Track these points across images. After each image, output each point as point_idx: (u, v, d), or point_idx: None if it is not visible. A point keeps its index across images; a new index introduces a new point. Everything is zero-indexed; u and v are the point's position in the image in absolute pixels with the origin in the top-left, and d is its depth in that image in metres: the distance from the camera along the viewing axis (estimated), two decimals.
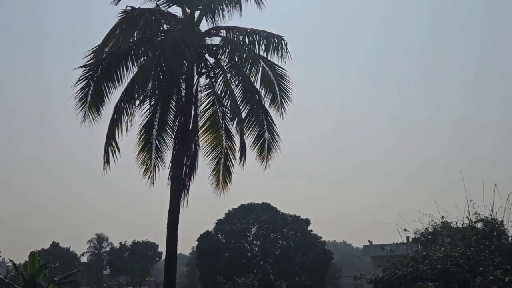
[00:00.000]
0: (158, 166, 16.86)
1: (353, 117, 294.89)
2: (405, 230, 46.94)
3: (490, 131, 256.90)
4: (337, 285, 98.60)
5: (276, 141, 16.68)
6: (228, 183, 17.13)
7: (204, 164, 17.31)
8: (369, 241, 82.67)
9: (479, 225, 39.24)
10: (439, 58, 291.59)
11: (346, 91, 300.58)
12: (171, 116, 16.68)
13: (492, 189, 49.81)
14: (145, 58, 15.64)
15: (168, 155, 16.80)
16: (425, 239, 42.77)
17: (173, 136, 16.56)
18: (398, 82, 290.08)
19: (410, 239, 49.53)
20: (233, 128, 17.06)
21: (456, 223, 41.54)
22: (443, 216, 42.39)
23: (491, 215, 39.64)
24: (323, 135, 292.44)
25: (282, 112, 16.75)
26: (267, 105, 16.85)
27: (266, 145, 16.55)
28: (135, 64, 15.84)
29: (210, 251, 60.14)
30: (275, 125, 16.79)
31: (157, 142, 16.73)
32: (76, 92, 15.62)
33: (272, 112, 16.89)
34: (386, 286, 34.95)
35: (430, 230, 43.28)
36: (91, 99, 15.70)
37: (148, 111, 16.05)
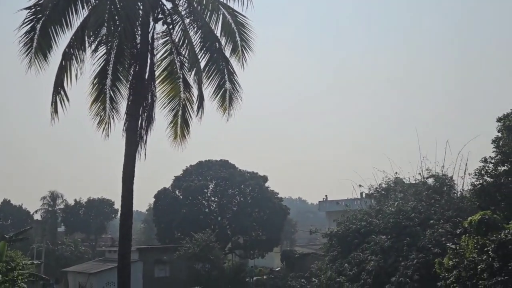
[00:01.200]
0: (113, 118, 16.14)
1: (313, 74, 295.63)
2: (360, 185, 48.25)
3: (443, 89, 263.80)
4: (293, 239, 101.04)
5: (238, 92, 16.13)
6: (186, 136, 16.61)
7: (162, 116, 16.75)
8: (325, 196, 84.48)
9: (430, 180, 40.66)
10: (395, 14, 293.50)
11: (310, 48, 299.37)
12: (126, 65, 15.75)
13: (444, 146, 51.07)
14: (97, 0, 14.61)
15: (123, 106, 16.09)
16: (378, 195, 44.01)
17: (128, 86, 15.79)
18: (356, 40, 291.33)
19: (364, 195, 50.97)
20: (191, 79, 16.40)
21: (409, 179, 42.89)
22: (396, 172, 43.71)
23: (442, 171, 41.10)
24: (282, 91, 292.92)
25: (243, 62, 16.24)
26: (227, 53, 16.26)
27: (227, 96, 16.01)
28: (86, 7, 14.77)
29: (167, 208, 59.84)
30: (236, 75, 16.23)
31: (111, 92, 15.90)
32: (21, 36, 14.50)
33: (233, 62, 16.34)
34: (340, 239, 35.90)
35: (384, 186, 44.51)
36: (37, 44, 14.58)
37: (102, 58, 15.17)
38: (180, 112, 16.47)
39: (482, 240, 21.10)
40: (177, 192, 61.55)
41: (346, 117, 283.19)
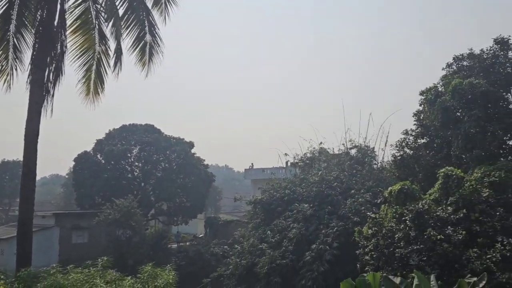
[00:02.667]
0: (16, 69, 14.48)
1: (245, 37, 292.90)
2: (285, 154, 48.57)
3: (369, 61, 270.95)
4: (218, 207, 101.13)
5: (159, 46, 14.84)
6: (100, 93, 15.11)
7: (73, 70, 15.17)
8: (251, 164, 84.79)
9: (353, 151, 41.52)
10: None
11: (243, 13, 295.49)
12: (32, 9, 14.08)
13: (368, 118, 52.12)
14: None
15: (28, 56, 14.41)
16: (303, 164, 44.44)
17: (35, 33, 14.08)
18: (284, 5, 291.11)
19: (290, 164, 51.40)
20: (108, 30, 14.95)
21: (333, 149, 43.67)
22: (321, 142, 44.26)
23: (364, 142, 42.05)
24: (211, 53, 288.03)
25: (166, 16, 15.01)
26: (149, 4, 14.90)
27: (147, 49, 14.69)
28: None
29: (88, 172, 57.19)
30: (158, 28, 14.92)
31: (15, 39, 14.19)
32: None
33: (156, 15, 15.00)
34: (264, 207, 35.90)
35: (308, 155, 44.96)
36: None
37: (5, 0, 13.40)
38: (94, 67, 14.90)
39: (401, 210, 21.53)
40: (98, 156, 58.83)
41: (274, 86, 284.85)
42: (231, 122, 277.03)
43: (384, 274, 18.57)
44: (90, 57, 14.75)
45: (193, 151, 62.60)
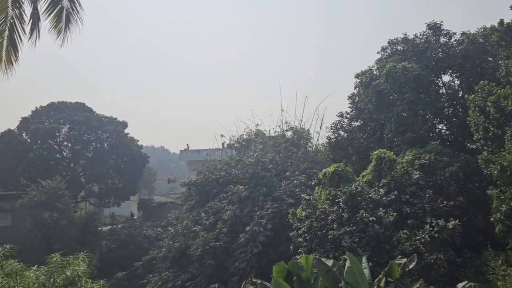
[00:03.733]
0: None
1: (180, 17, 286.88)
2: (222, 135, 48.09)
3: (307, 45, 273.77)
4: (152, 188, 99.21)
5: (78, 12, 13.50)
6: (14, 62, 13.54)
7: None
8: (186, 145, 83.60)
9: (289, 133, 41.64)
10: None
11: None
12: None
13: (303, 101, 52.65)
14: None
15: None
16: (239, 145, 44.16)
17: None
18: None
19: (226, 145, 51.00)
20: None
21: (269, 131, 43.67)
22: (257, 124, 44.15)
23: (300, 124, 42.26)
24: (147, 32, 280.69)
25: None
26: None
27: (64, 15, 13.33)
28: None
29: (12, 152, 53.79)
30: None
31: None
32: None
33: None
34: (198, 189, 35.30)
35: (245, 137, 44.71)
36: None
37: None
38: (6, 33, 13.38)
39: (334, 192, 21.59)
40: (24, 135, 55.55)
41: (210, 66, 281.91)
42: (167, 102, 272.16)
43: (317, 256, 18.62)
44: (2, 21, 13.19)
45: (126, 131, 60.59)
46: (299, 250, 20.78)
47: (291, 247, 22.29)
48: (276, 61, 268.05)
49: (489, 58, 26.38)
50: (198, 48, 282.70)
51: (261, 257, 25.92)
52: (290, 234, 22.71)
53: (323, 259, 15.49)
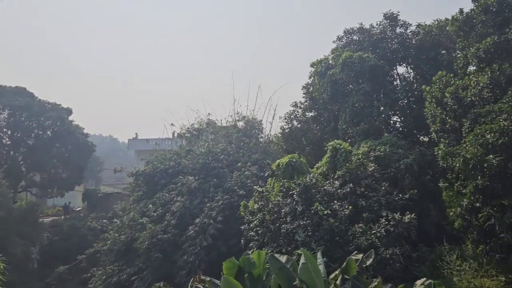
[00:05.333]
0: None
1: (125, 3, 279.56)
2: (172, 124, 46.75)
3: (261, 33, 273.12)
4: (99, 178, 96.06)
5: None
6: None
7: None
8: (135, 134, 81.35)
9: (241, 123, 40.82)
10: None
11: None
12: None
13: (256, 90, 51.90)
14: None
15: None
16: (190, 135, 42.92)
17: None
18: None
19: (176, 134, 49.59)
20: None
21: (221, 121, 42.68)
22: (209, 113, 43.07)
23: (252, 115, 41.53)
24: (93, 14, 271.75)
25: None
26: None
27: None
28: None
29: None
30: None
31: None
32: None
33: None
34: (147, 179, 33.89)
35: (196, 126, 43.55)
36: None
37: None
38: None
39: (288, 184, 20.82)
40: None
41: (162, 54, 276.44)
42: (116, 90, 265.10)
43: (269, 251, 17.81)
44: None
45: (71, 118, 57.82)
46: (251, 244, 19.95)
47: (242, 241, 21.43)
48: (230, 50, 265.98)
49: (443, 51, 26.33)
50: (150, 36, 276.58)
51: (210, 250, 25.24)
52: (241, 227, 21.82)
53: (276, 255, 14.64)
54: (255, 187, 24.09)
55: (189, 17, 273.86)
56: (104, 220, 45.19)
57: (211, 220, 26.18)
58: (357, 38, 28.43)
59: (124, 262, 28.49)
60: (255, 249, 18.90)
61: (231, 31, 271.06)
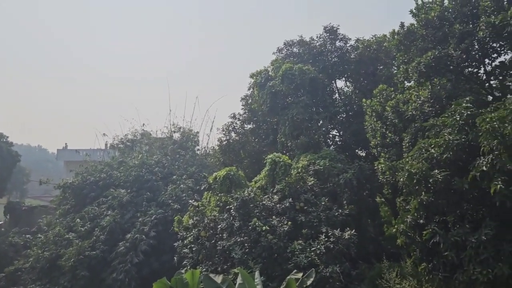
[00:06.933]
0: None
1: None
2: (104, 134, 44.88)
3: (200, 43, 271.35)
4: (24, 190, 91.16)
5: None
6: None
7: None
8: (65, 144, 77.77)
9: (177, 135, 39.69)
10: None
11: None
12: None
13: (194, 101, 50.97)
14: None
15: None
16: (123, 146, 41.27)
17: None
18: None
19: (109, 145, 47.62)
20: None
21: (156, 132, 41.38)
22: (144, 124, 41.64)
23: (189, 126, 40.52)
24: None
25: None
26: None
27: None
28: None
29: None
30: None
31: None
32: None
33: None
34: (75, 191, 32.04)
35: (130, 137, 41.97)
36: None
37: None
38: None
39: (225, 198, 19.92)
40: None
41: (94, 60, 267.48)
42: (44, 98, 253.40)
43: (204, 269, 16.81)
44: None
45: None
46: (184, 262, 18.82)
47: (175, 258, 20.28)
48: (166, 59, 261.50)
49: (381, 67, 26.52)
50: (83, 40, 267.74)
51: (142, 267, 24.06)
52: (175, 244, 20.65)
53: (211, 275, 13.68)
54: (190, 201, 23.05)
55: (124, 23, 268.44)
56: (27, 235, 42.28)
57: (143, 236, 25.00)
58: (297, 51, 28.19)
59: (47, 281, 26.54)
60: (188, 267, 17.90)
61: (168, 40, 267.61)
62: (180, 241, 20.18)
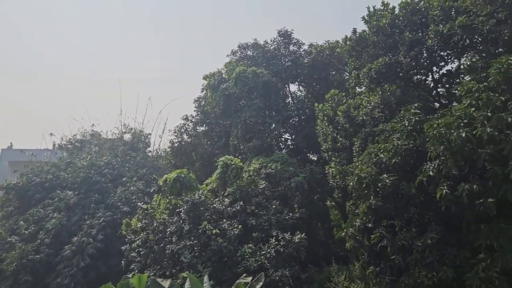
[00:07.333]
0: None
1: None
2: (51, 134, 43.32)
3: (155, 43, 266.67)
4: None
5: None
6: None
7: None
8: (10, 143, 74.85)
9: (128, 136, 38.88)
10: None
11: None
12: None
13: (146, 102, 50.02)
14: None
15: None
16: (72, 146, 40.04)
17: None
18: None
19: (57, 145, 46.12)
20: None
21: (107, 132, 40.37)
22: (93, 124, 40.55)
23: (141, 127, 39.76)
24: None
25: None
26: None
27: None
28: None
29: None
30: None
31: None
32: None
33: None
34: (19, 193, 30.79)
35: (78, 137, 40.77)
36: None
37: None
38: None
39: (175, 200, 19.58)
40: None
41: (41, 55, 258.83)
42: None
43: (152, 274, 16.46)
44: None
45: None
46: (132, 266, 18.35)
47: (122, 262, 19.77)
48: (117, 58, 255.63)
49: (333, 72, 26.83)
50: (32, 34, 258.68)
51: (88, 271, 23.40)
52: (122, 248, 20.13)
53: (158, 279, 13.41)
54: (139, 203, 22.58)
55: (75, 17, 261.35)
56: None
57: (91, 239, 24.31)
58: (251, 54, 28.16)
59: None
60: (136, 271, 17.48)
61: (121, 36, 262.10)
62: (128, 244, 19.70)
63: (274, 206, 18.92)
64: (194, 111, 29.73)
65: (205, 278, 13.43)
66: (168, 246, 17.35)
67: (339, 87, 22.93)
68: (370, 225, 13.53)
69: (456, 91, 13.93)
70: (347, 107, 18.17)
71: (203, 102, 29.27)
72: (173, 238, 17.67)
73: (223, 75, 26.99)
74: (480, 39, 15.03)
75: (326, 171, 17.71)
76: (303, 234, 17.21)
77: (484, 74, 12.78)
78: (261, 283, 12.89)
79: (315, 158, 27.01)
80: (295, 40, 27.46)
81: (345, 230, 14.17)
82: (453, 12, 16.66)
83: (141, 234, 18.99)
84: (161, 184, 21.46)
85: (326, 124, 19.41)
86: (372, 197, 13.31)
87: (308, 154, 27.13)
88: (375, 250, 13.07)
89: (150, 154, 38.61)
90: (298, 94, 28.07)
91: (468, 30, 15.08)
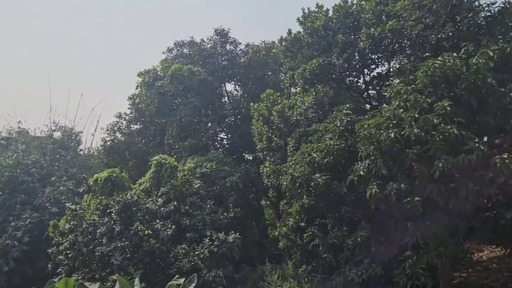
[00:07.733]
0: None
1: None
2: None
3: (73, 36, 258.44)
4: None
5: None
6: None
7: None
8: None
9: (58, 134, 37.35)
10: None
11: None
12: None
13: (78, 99, 48.29)
14: None
15: None
16: None
17: None
18: None
19: None
20: None
21: (35, 130, 38.59)
22: (20, 121, 38.67)
23: (71, 125, 38.32)
24: None
25: None
26: None
27: None
28: None
29: None
30: None
31: None
32: None
33: None
34: None
35: (4, 134, 38.77)
36: None
37: None
38: None
39: (106, 201, 18.94)
40: None
41: None
42: None
43: (80, 277, 15.82)
44: None
45: None
46: (59, 270, 17.57)
47: (49, 265, 18.92)
48: (47, 49, 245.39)
49: (269, 72, 26.99)
50: None
51: (13, 275, 22.35)
52: (48, 251, 19.26)
53: (86, 283, 12.92)
54: (68, 204, 21.71)
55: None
56: None
57: (16, 242, 23.08)
58: (188, 52, 27.81)
59: None
60: (63, 275, 16.74)
61: (52, 25, 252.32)
62: (55, 247, 18.85)
63: (208, 206, 18.75)
64: (128, 108, 28.99)
65: (136, 280, 13.08)
66: (98, 248, 16.75)
67: (275, 87, 23.06)
68: (303, 224, 13.68)
69: (386, 93, 14.32)
70: (282, 107, 18.30)
71: (137, 100, 28.59)
72: (104, 240, 17.08)
73: (159, 73, 26.47)
74: (408, 43, 15.51)
75: (261, 171, 17.76)
76: (237, 233, 17.17)
77: (412, 77, 13.17)
78: (193, 284, 12.71)
79: (251, 158, 27.06)
80: (232, 39, 27.38)
81: (278, 230, 14.25)
82: (384, 16, 17.12)
83: (70, 236, 18.20)
84: (92, 183, 20.72)
85: (261, 123, 19.47)
86: (305, 196, 13.47)
87: (244, 154, 27.14)
88: (308, 249, 13.24)
89: (81, 152, 37.24)
90: (234, 94, 28.03)
91: (397, 34, 15.53)
